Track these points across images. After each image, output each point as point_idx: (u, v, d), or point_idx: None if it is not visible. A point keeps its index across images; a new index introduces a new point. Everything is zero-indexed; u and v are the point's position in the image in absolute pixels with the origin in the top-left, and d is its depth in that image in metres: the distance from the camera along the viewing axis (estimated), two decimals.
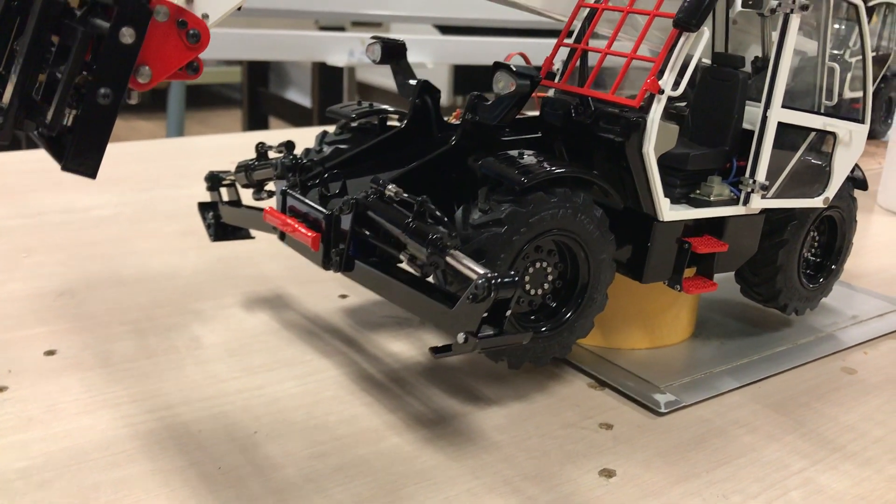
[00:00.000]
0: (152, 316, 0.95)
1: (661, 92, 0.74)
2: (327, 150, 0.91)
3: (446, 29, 3.50)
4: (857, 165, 0.94)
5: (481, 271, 0.62)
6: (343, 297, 1.02)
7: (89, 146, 0.57)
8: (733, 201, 0.83)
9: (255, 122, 4.40)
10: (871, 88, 0.88)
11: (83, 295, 0.99)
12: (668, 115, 0.76)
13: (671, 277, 0.83)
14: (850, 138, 0.87)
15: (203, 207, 0.99)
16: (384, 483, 0.67)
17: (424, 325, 0.94)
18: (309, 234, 0.76)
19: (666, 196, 0.78)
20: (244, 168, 0.91)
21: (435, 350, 0.65)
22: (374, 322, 0.95)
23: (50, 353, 0.85)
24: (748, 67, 0.92)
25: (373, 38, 0.89)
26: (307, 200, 0.78)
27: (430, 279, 0.73)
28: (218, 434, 0.73)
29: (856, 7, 0.84)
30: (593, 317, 0.80)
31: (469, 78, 3.96)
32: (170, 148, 1.85)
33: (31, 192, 1.33)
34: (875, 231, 1.44)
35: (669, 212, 0.79)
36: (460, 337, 0.63)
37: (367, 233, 0.74)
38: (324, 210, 0.75)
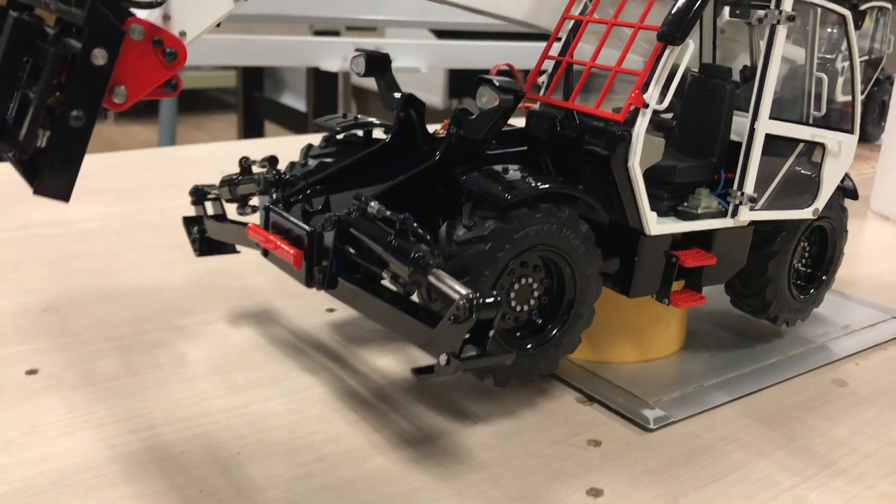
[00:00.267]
0: (137, 332, 0.94)
1: (646, 106, 0.73)
2: (312, 163, 0.90)
3: (441, 33, 3.49)
4: (846, 175, 0.93)
5: (463, 291, 0.61)
6: (330, 310, 1.01)
7: (62, 169, 0.56)
8: (721, 214, 0.82)
9: (251, 126, 4.39)
10: (859, 98, 0.87)
11: (67, 311, 0.98)
12: (655, 125, 0.75)
13: (659, 291, 0.82)
14: (840, 149, 0.87)
15: (188, 222, 0.98)
16: None
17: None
18: (291, 251, 0.75)
19: (653, 209, 0.78)
20: (228, 183, 0.90)
21: (417, 371, 0.64)
22: (361, 337, 0.95)
23: (31, 371, 0.84)
24: (736, 76, 0.92)
25: (357, 50, 0.88)
26: (290, 217, 0.77)
27: (414, 297, 0.72)
28: (200, 455, 0.72)
29: (843, 17, 0.84)
30: (580, 332, 0.79)
31: (464, 82, 3.95)
32: (160, 157, 1.84)
33: (16, 205, 1.32)
34: (868, 237, 1.44)
35: (656, 225, 0.78)
36: (442, 358, 0.62)
37: (350, 250, 0.73)
38: (306, 227, 0.74)
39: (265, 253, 0.81)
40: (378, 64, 0.87)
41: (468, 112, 0.80)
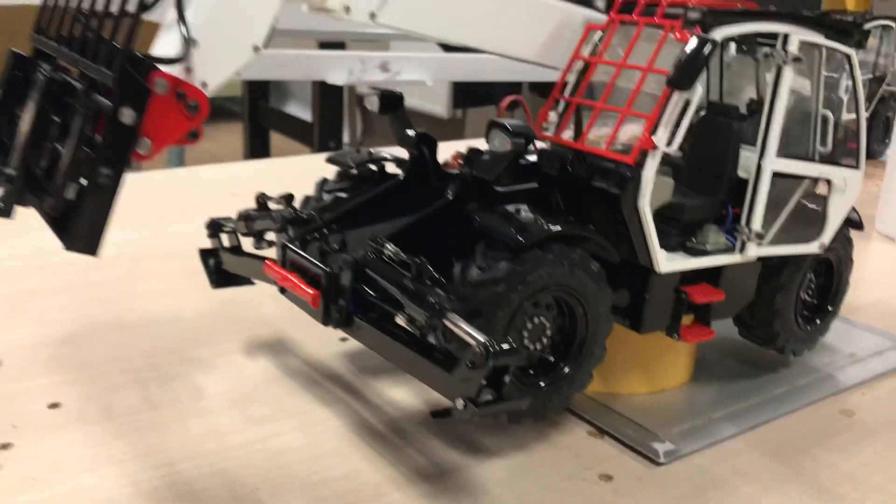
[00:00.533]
0: (155, 364, 0.95)
1: (656, 148, 0.74)
2: (327, 198, 0.92)
3: (447, 46, 3.50)
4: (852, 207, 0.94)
5: (480, 339, 0.63)
6: (343, 339, 1.02)
7: (91, 225, 0.58)
8: (729, 249, 0.84)
9: (256, 136, 4.41)
10: (864, 136, 0.88)
11: (85, 341, 1.00)
12: (663, 160, 0.76)
13: (669, 326, 0.83)
14: (846, 184, 0.88)
15: (204, 254, 1.00)
16: None
17: None
18: (309, 290, 0.76)
19: (662, 246, 0.79)
20: (245, 218, 0.92)
21: (435, 414, 0.65)
22: (374, 367, 0.96)
23: (54, 405, 0.86)
24: (743, 109, 0.93)
25: (371, 88, 0.89)
26: (307, 256, 0.79)
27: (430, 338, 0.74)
28: (221, 492, 0.74)
29: (847, 56, 0.85)
30: (592, 369, 0.80)
31: (468, 92, 3.98)
32: (171, 179, 1.86)
33: (30, 231, 1.33)
34: (873, 259, 1.44)
35: (667, 263, 0.80)
36: (459, 403, 0.63)
37: (367, 290, 0.74)
38: (324, 267, 0.76)
39: (282, 290, 0.83)
40: (391, 102, 0.89)
41: (480, 152, 0.82)
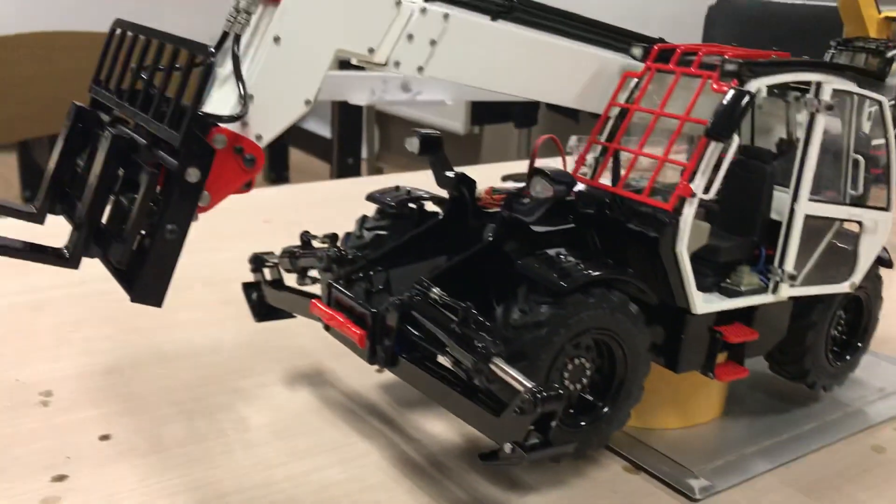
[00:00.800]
0: (198, 396, 0.98)
1: (693, 195, 0.77)
2: (367, 235, 0.94)
3: None
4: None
5: (528, 385, 0.65)
6: (380, 371, 1.05)
7: (156, 278, 0.61)
8: (763, 290, 0.86)
9: (276, 152, 4.46)
10: (895, 179, 0.90)
11: (130, 373, 1.03)
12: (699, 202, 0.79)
13: (704, 365, 0.85)
14: (877, 226, 0.90)
15: (247, 287, 1.03)
16: None
17: None
18: (356, 330, 0.79)
19: (698, 288, 0.81)
20: (289, 255, 0.95)
21: (483, 457, 0.68)
22: (411, 399, 0.98)
23: (104, 437, 0.89)
24: (772, 148, 0.95)
25: (413, 130, 0.92)
26: (353, 296, 0.82)
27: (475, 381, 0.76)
28: None
29: (879, 103, 0.87)
30: (630, 409, 0.82)
31: (485, 110, 4.02)
32: None
33: None
34: None
35: (703, 304, 0.82)
36: (507, 447, 0.65)
37: (413, 332, 0.77)
38: (370, 308, 0.78)
39: (327, 327, 0.85)
40: (431, 144, 0.92)
41: (520, 195, 0.84)
